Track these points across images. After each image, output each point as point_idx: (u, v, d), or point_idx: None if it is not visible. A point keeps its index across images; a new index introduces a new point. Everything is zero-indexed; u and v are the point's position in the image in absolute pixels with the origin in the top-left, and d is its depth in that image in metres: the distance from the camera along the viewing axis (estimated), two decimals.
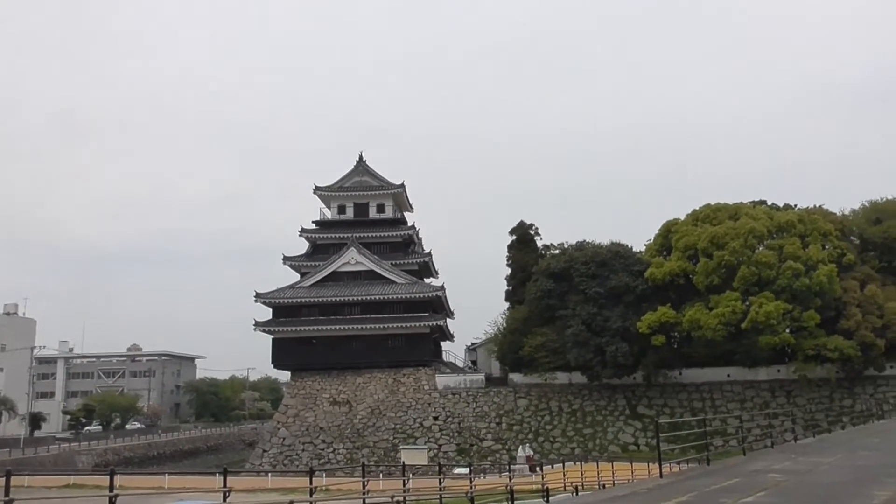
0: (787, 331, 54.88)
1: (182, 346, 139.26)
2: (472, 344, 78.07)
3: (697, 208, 63.21)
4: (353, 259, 69.01)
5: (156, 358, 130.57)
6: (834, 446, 24.27)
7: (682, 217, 63.52)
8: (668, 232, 62.79)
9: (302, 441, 63.12)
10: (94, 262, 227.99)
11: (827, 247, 58.70)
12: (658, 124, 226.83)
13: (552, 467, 39.18)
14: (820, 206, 64.11)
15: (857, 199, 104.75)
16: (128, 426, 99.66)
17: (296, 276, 71.53)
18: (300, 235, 71.81)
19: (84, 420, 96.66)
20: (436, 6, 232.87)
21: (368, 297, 65.81)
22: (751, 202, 64.53)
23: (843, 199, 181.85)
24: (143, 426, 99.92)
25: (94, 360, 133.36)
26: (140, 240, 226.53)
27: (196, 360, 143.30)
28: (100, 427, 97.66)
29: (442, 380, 65.46)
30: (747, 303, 54.97)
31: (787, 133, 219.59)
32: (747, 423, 53.46)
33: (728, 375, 61.55)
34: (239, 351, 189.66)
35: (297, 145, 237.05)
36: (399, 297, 65.88)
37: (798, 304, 54.38)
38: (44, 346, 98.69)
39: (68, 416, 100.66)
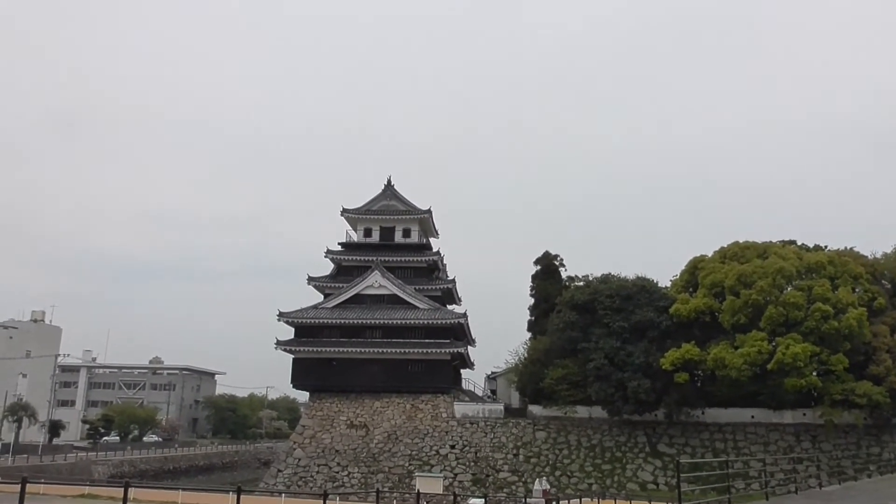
0: (815, 374, 54.07)
1: (203, 361, 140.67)
2: (493, 373, 77.68)
3: (725, 245, 62.79)
4: (376, 282, 69.25)
5: (176, 372, 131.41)
6: (860, 495, 23.73)
7: (710, 254, 63.14)
8: (695, 268, 62.40)
9: (317, 463, 62.94)
10: (121, 273, 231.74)
11: (857, 290, 57.88)
12: (687, 160, 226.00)
13: (569, 502, 38.68)
14: (851, 249, 63.36)
15: (890, 242, 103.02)
16: (145, 438, 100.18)
17: (319, 297, 71.85)
18: (325, 256, 72.30)
19: (103, 430, 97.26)
20: (468, 30, 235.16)
21: (390, 322, 65.88)
22: (780, 241, 63.97)
23: (876, 242, 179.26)
24: (161, 439, 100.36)
25: (115, 370, 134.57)
26: (168, 253, 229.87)
27: (216, 376, 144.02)
28: (118, 438, 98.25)
29: (460, 408, 65.10)
30: (774, 343, 54.30)
31: (818, 173, 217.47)
32: (770, 467, 52.58)
33: (752, 417, 60.60)
34: (259, 369, 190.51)
35: (326, 164, 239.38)
36: (421, 322, 65.88)
37: (826, 347, 53.56)
38: (68, 355, 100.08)
39: (87, 426, 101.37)
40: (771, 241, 63.00)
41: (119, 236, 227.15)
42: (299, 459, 63.45)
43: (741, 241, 62.57)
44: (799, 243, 65.37)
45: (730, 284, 56.88)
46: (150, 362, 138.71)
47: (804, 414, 59.60)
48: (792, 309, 54.18)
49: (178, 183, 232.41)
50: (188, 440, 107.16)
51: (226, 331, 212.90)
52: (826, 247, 64.44)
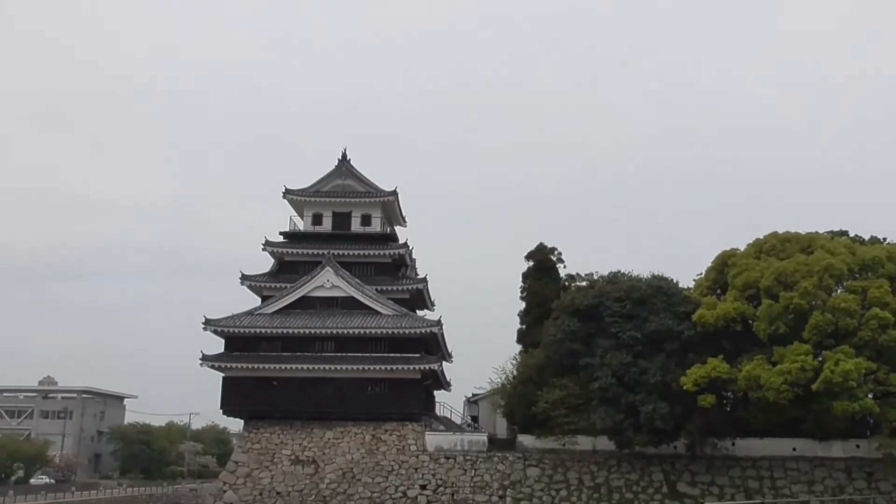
0: (870, 396, 54.73)
1: (108, 381, 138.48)
2: (473, 395, 77.99)
3: (761, 237, 63.49)
4: (328, 282, 69.33)
5: (74, 395, 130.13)
6: None
7: (742, 247, 63.74)
8: (724, 265, 62.96)
9: None
10: (3, 273, 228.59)
11: None
12: (712, 134, 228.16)
13: None
14: None
15: None
16: (33, 480, 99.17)
17: (256, 300, 71.76)
18: (263, 249, 72.15)
19: None
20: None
21: (346, 331, 66.02)
22: (828, 232, 64.73)
23: None
24: (53, 481, 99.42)
25: None
26: (62, 249, 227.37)
27: (125, 401, 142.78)
28: None
29: (433, 439, 65.38)
30: (820, 358, 54.99)
31: (879, 152, 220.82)
32: None
33: (793, 449, 61.43)
34: (180, 391, 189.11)
35: (264, 137, 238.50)
36: (384, 332, 66.11)
37: (885, 364, 54.40)
38: None
39: None
40: (817, 232, 63.67)
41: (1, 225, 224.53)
42: None
43: (780, 232, 63.25)
44: (851, 235, 66.28)
45: (766, 285, 57.51)
46: (40, 383, 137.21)
47: (857, 446, 60.58)
48: (842, 316, 54.94)
49: (75, 161, 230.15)
50: (89, 481, 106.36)
51: (138, 343, 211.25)
52: (885, 239, 65.21)
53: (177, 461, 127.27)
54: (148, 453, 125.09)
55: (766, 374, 54.50)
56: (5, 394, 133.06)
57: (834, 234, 64.54)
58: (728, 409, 60.64)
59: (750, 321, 58.84)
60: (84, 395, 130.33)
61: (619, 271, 66.58)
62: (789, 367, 53.86)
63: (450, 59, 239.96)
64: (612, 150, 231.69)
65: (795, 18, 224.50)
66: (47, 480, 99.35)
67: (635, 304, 60.63)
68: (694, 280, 66.59)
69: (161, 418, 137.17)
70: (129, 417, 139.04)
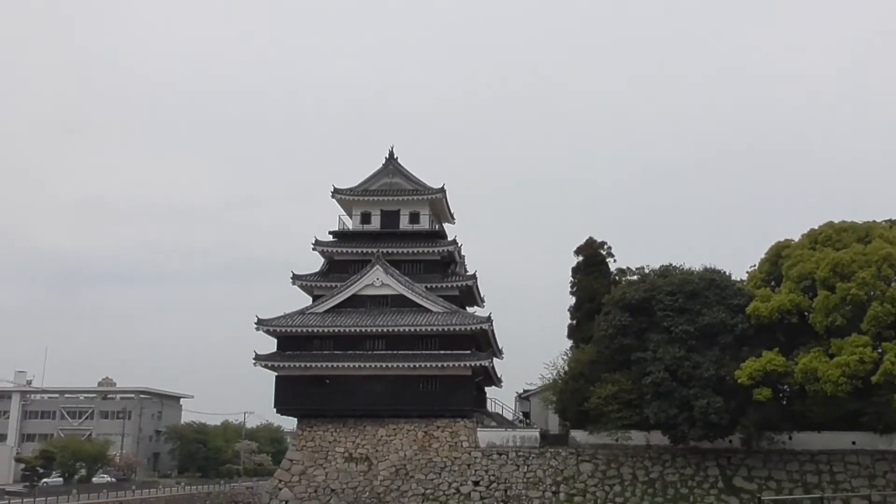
0: None
1: (165, 382, 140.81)
2: (525, 391, 77.87)
3: (816, 227, 62.49)
4: (378, 280, 69.62)
5: (132, 396, 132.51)
6: None
7: (797, 238, 62.88)
8: (778, 256, 62.23)
9: None
10: (62, 278, 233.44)
11: None
12: (769, 123, 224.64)
13: None
14: None
15: None
16: (95, 479, 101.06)
17: (307, 300, 72.32)
18: (314, 249, 72.73)
19: (42, 470, 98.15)
20: None
21: (396, 329, 66.26)
22: (886, 221, 63.57)
23: None
24: (114, 479, 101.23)
25: (56, 395, 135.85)
26: (118, 251, 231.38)
27: (181, 401, 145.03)
28: (60, 479, 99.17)
29: (485, 435, 65.41)
30: (880, 350, 54.07)
31: None
32: None
33: (853, 443, 60.51)
34: (235, 391, 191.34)
35: (312, 138, 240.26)
36: (435, 329, 66.21)
37: None
38: None
39: (22, 465, 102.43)
40: (874, 221, 62.66)
41: (56, 232, 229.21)
42: (286, 502, 64.06)
43: (836, 222, 62.26)
44: None
45: (822, 276, 56.65)
46: (100, 385, 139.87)
47: None
48: None
49: (128, 166, 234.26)
50: (148, 480, 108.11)
51: (193, 345, 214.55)
52: None
53: (232, 460, 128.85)
54: (204, 452, 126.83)
55: (824, 367, 53.84)
56: (66, 395, 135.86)
57: (892, 223, 63.32)
58: (784, 402, 59.89)
59: (805, 313, 58.08)
60: (142, 396, 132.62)
61: (671, 264, 66.01)
62: (847, 360, 53.25)
63: (491, 55, 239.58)
64: (660, 141, 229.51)
65: None
66: (108, 479, 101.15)
67: (687, 297, 60.04)
68: (747, 272, 65.78)
69: (216, 418, 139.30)
70: (186, 417, 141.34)
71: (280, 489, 64.97)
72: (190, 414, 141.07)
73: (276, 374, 68.15)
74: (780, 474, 60.05)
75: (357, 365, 66.00)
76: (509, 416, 76.87)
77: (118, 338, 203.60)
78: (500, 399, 79.00)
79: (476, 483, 62.72)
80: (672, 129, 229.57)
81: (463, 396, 66.13)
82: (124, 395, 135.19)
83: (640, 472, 61.37)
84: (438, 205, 75.59)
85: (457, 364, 65.42)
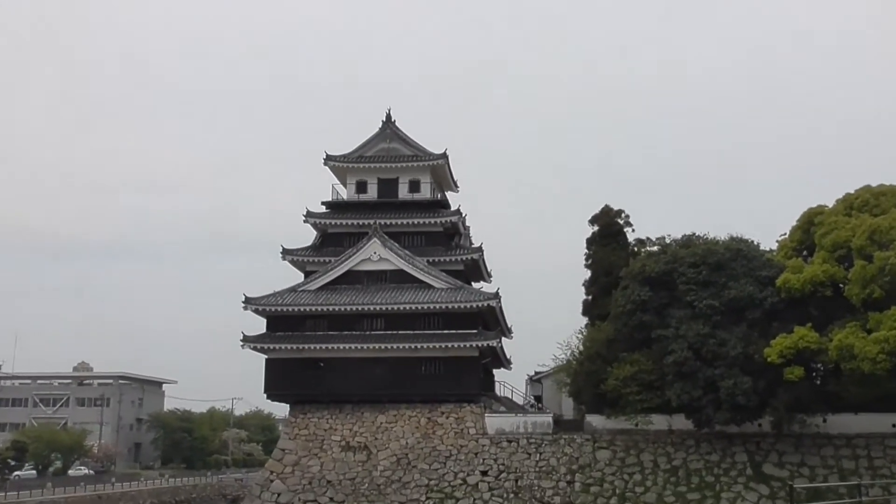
0: None
1: (146, 366, 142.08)
2: (536, 373, 78.09)
3: (852, 192, 62.26)
4: (375, 254, 69.75)
5: (111, 381, 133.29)
6: None
7: (831, 203, 62.69)
8: (811, 224, 61.99)
9: (303, 499, 64.03)
10: (31, 255, 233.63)
11: None
12: (792, 81, 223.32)
13: None
14: None
15: None
16: (71, 471, 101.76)
17: (299, 276, 72.55)
18: (305, 221, 72.83)
19: (13, 462, 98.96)
20: None
21: (396, 307, 66.49)
22: None
23: None
24: (92, 472, 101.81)
25: (28, 381, 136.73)
26: (93, 227, 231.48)
27: (164, 386, 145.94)
28: (34, 472, 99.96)
29: (494, 421, 65.78)
30: None
31: None
32: None
33: (893, 425, 60.70)
34: (222, 375, 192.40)
35: (303, 101, 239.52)
36: (438, 306, 66.43)
37: None
38: None
39: None
40: None
41: (20, 205, 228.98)
42: (278, 495, 64.54)
43: (874, 186, 61.96)
44: None
45: (859, 245, 56.44)
46: (75, 369, 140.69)
47: None
48: None
49: (101, 130, 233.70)
50: (130, 472, 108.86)
51: (176, 326, 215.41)
52: None
53: (220, 450, 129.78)
54: (190, 441, 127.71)
55: (861, 343, 53.60)
56: (39, 381, 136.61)
57: None
58: (818, 382, 59.85)
59: (841, 285, 57.78)
60: (121, 381, 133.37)
61: (694, 234, 65.98)
62: (886, 335, 52.86)
63: (500, 23, 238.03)
64: (679, 104, 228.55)
65: None
66: (86, 471, 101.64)
67: (712, 269, 60.00)
68: (777, 241, 65.63)
69: (202, 404, 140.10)
70: (169, 404, 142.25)
71: (272, 481, 65.42)
72: (173, 401, 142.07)
73: (265, 356, 68.45)
74: (813, 460, 60.24)
75: (354, 346, 66.22)
76: (519, 401, 77.03)
77: (95, 319, 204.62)
78: (510, 382, 79.18)
79: (484, 473, 63.13)
80: (694, 95, 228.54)
81: (469, 379, 66.45)
82: (102, 380, 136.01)
83: (662, 460, 61.66)
84: (440, 171, 75.54)
85: (462, 344, 65.68)
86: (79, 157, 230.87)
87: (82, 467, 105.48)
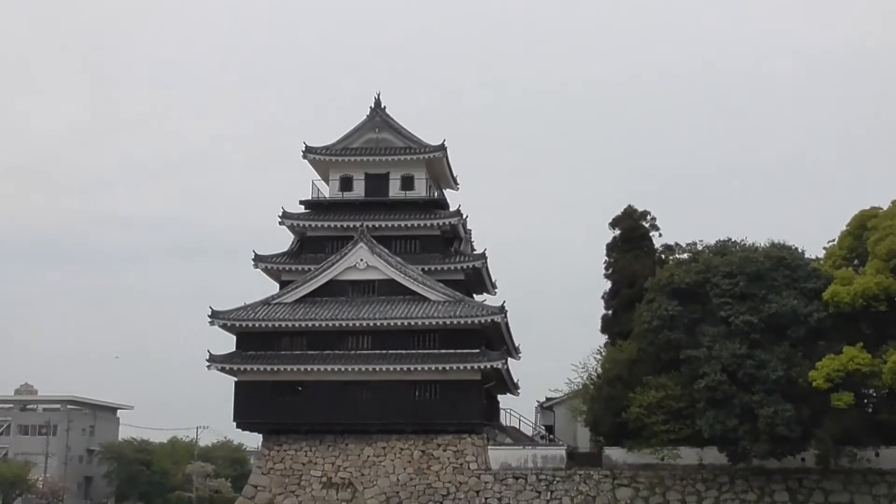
0: None
1: (98, 390, 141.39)
2: (548, 400, 78.12)
3: None
4: (362, 261, 69.69)
5: (57, 407, 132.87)
6: None
7: (886, 206, 62.77)
8: (863, 229, 62.03)
9: None
10: None
11: None
12: (849, 63, 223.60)
13: None
14: None
15: None
16: None
17: (274, 287, 72.48)
18: (281, 223, 72.83)
19: None
20: None
21: (386, 323, 66.43)
22: None
23: None
24: None
25: None
26: (28, 224, 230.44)
27: (119, 412, 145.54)
28: None
29: (499, 454, 65.74)
30: None
31: None
32: None
33: None
34: (185, 401, 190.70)
35: (277, 92, 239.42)
36: (434, 322, 66.44)
37: None
38: None
39: None
40: None
41: None
42: None
43: None
44: None
45: None
46: (17, 392, 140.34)
47: None
48: None
49: (46, 115, 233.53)
50: None
51: (131, 343, 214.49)
52: None
53: (183, 485, 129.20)
54: (148, 476, 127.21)
55: None
56: None
57: None
58: (870, 410, 59.76)
59: None
60: (69, 407, 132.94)
61: (729, 239, 66.03)
62: None
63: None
64: (715, 94, 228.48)
65: None
66: None
67: (750, 280, 59.98)
68: (824, 249, 65.63)
69: (163, 434, 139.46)
70: (124, 433, 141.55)
71: None
72: (129, 429, 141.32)
73: (235, 379, 68.47)
74: (864, 499, 60.34)
75: (336, 368, 66.10)
76: (528, 431, 77.16)
77: (38, 332, 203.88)
78: (517, 410, 79.34)
79: None
80: (729, 73, 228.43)
81: (470, 406, 66.31)
82: (48, 405, 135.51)
83: (692, 499, 61.70)
84: (438, 166, 75.58)
85: (462, 366, 65.61)
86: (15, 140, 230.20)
87: None
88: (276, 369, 66.78)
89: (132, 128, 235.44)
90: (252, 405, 67.79)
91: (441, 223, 72.40)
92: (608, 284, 72.91)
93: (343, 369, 66.06)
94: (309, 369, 66.53)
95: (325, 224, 72.52)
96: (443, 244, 73.07)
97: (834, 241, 65.15)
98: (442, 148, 74.16)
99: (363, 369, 65.89)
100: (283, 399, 67.29)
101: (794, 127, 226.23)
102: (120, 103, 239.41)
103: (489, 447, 66.18)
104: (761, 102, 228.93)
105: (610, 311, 72.56)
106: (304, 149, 74.15)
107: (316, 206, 74.23)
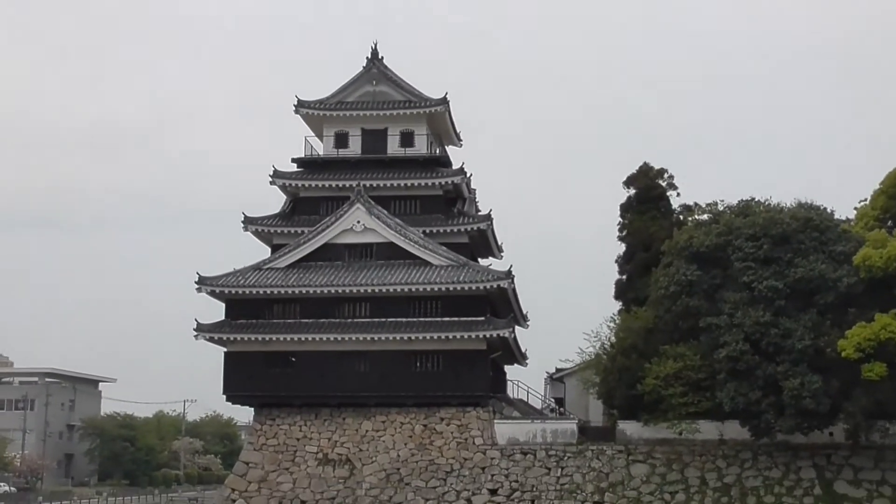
0: None
1: (79, 361, 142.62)
2: (558, 371, 78.14)
3: None
4: (358, 223, 69.40)
5: (35, 380, 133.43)
6: None
7: None
8: None
9: None
10: None
11: None
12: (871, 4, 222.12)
13: None
14: None
15: None
16: None
17: (265, 251, 72.31)
18: (272, 183, 72.59)
19: None
20: None
21: (384, 289, 66.28)
22: None
23: None
24: (14, 489, 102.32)
25: None
26: (11, 189, 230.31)
27: (100, 385, 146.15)
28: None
29: (505, 429, 65.85)
30: None
31: None
32: None
33: None
34: (171, 372, 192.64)
35: (267, 45, 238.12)
36: (436, 288, 66.30)
37: None
38: None
39: None
40: None
41: None
42: None
43: None
44: None
45: None
46: None
47: None
48: None
49: (21, 70, 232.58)
50: (60, 489, 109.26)
51: (114, 312, 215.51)
52: None
53: (170, 462, 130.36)
54: (132, 453, 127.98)
55: None
56: None
57: None
58: None
59: None
60: (48, 380, 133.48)
61: (753, 199, 65.59)
62: None
63: None
64: (740, 43, 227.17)
65: None
66: (6, 489, 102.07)
67: (775, 243, 59.70)
68: (855, 209, 65.43)
69: (148, 408, 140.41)
70: (107, 407, 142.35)
71: (233, 501, 65.50)
72: (112, 403, 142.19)
73: (224, 349, 68.44)
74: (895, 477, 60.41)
75: (332, 337, 66.01)
76: (537, 404, 77.18)
77: (13, 300, 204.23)
78: (525, 381, 79.23)
79: (493, 491, 63.21)
80: (749, 20, 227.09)
81: (475, 378, 66.36)
82: (24, 378, 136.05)
83: (711, 476, 61.72)
84: (440, 121, 75.20)
85: (466, 335, 65.41)
86: None
87: (2, 483, 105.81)
88: (268, 339, 66.69)
89: (113, 85, 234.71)
90: (243, 377, 67.76)
91: (443, 182, 72.15)
92: (622, 248, 72.85)
93: (339, 338, 65.99)
94: (303, 339, 66.30)
95: (320, 183, 72.22)
96: (445, 205, 72.84)
97: (866, 200, 64.92)
98: (444, 101, 73.69)
99: (361, 338, 65.90)
100: (276, 370, 67.31)
101: (825, 78, 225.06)
102: (104, 55, 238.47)
103: (495, 421, 66.23)
104: (789, 52, 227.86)
105: (624, 277, 72.50)
106: (296, 103, 73.76)
107: (309, 165, 73.90)
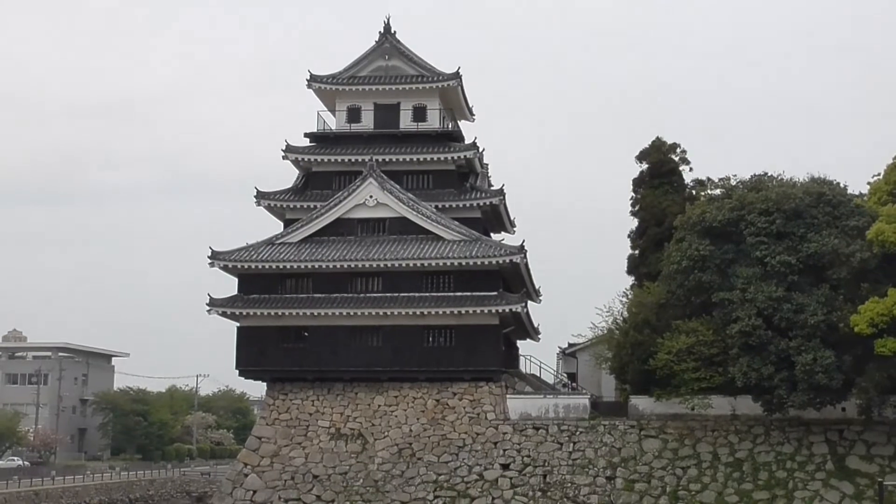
0: None
1: (91, 336, 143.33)
2: (570, 346, 78.31)
3: None
4: (371, 197, 69.48)
5: (48, 354, 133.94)
6: None
7: None
8: None
9: (284, 497, 64.46)
10: None
11: None
12: None
13: None
14: None
15: None
16: (2, 462, 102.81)
17: (278, 226, 72.50)
18: (285, 157, 72.72)
19: None
20: None
21: (397, 263, 66.44)
22: None
23: None
24: (28, 463, 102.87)
25: None
26: (19, 163, 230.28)
27: (113, 360, 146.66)
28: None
29: (518, 404, 66.14)
30: None
31: None
32: None
33: None
34: (184, 347, 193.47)
35: (282, 11, 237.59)
36: (449, 263, 66.29)
37: None
38: None
39: None
40: None
41: None
42: (254, 492, 64.96)
43: None
44: None
45: None
46: (5, 339, 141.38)
47: None
48: None
49: (26, 45, 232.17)
50: (73, 463, 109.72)
51: (127, 286, 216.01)
52: None
53: (183, 437, 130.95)
54: (145, 427, 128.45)
55: None
56: None
57: None
58: None
59: None
60: (61, 354, 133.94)
61: (766, 174, 65.79)
62: None
63: None
64: (753, 19, 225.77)
65: None
66: (20, 462, 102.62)
67: (788, 217, 59.81)
68: (868, 183, 65.23)
69: (160, 382, 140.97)
70: (120, 381, 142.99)
71: (246, 475, 65.85)
72: (125, 377, 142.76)
73: (237, 324, 68.74)
74: None
75: (345, 312, 66.17)
76: (549, 379, 77.33)
77: (28, 278, 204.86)
78: (538, 356, 79.35)
79: (505, 466, 63.46)
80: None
81: (487, 353, 66.45)
82: (38, 353, 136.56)
83: (723, 451, 61.91)
84: (452, 96, 75.13)
85: (479, 310, 65.60)
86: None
87: (15, 458, 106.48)
88: (280, 313, 66.86)
89: (123, 58, 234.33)
90: (255, 352, 68.07)
91: (456, 157, 72.10)
92: (635, 222, 72.88)
93: (352, 313, 66.13)
94: (316, 313, 66.55)
95: (332, 158, 72.40)
96: (458, 179, 72.87)
97: (879, 174, 64.69)
98: (457, 76, 73.61)
99: (373, 313, 65.98)
100: (289, 345, 67.63)
101: (838, 53, 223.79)
102: (118, 25, 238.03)
103: (508, 396, 66.54)
104: (801, 26, 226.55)
105: (637, 251, 72.54)
106: (308, 77, 73.80)
107: (322, 139, 73.99)
